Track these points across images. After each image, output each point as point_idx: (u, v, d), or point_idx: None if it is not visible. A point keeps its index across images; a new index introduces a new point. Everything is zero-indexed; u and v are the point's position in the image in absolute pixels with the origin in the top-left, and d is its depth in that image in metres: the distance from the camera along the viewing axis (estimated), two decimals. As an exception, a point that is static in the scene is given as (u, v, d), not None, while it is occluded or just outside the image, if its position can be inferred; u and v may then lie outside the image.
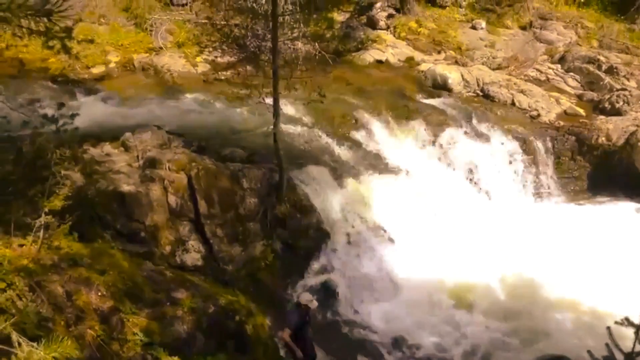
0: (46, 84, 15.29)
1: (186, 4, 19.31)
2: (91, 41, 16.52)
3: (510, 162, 15.34)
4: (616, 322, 4.53)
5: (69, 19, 4.14)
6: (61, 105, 7.63)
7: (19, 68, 12.93)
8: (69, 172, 9.33)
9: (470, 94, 17.27)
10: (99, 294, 7.19)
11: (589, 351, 4.70)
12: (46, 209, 7.13)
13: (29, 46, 14.43)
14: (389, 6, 20.84)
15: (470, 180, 14.75)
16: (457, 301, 11.84)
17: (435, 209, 13.34)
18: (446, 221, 13.28)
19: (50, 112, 7.42)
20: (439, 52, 19.52)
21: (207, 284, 9.13)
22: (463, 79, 17.41)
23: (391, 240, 12.51)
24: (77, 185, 9.68)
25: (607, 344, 4.58)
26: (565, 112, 16.75)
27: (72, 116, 7.46)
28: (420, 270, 12.17)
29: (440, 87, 17.24)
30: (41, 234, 7.23)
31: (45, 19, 3.19)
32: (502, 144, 15.37)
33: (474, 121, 15.74)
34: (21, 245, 7.22)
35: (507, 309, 11.68)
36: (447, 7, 21.27)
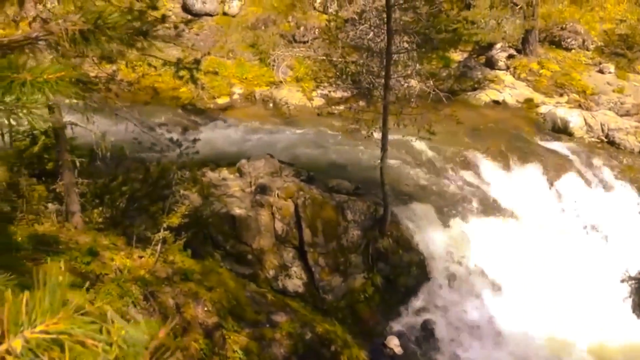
0: (175, 111, 16.59)
1: (307, 41, 20.22)
2: (217, 73, 17.72)
3: (637, 214, 14.21)
4: None
5: (198, 52, 4.58)
6: (185, 130, 8.30)
7: (153, 95, 14.09)
8: (187, 192, 10.04)
9: (593, 139, 16.33)
10: (205, 309, 7.61)
11: None
12: (165, 225, 7.75)
13: (162, 76, 15.74)
14: (509, 47, 20.41)
15: (589, 231, 13.83)
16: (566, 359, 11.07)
17: (547, 257, 12.63)
18: (559, 271, 12.52)
19: (175, 136, 8.09)
20: (561, 95, 18.70)
21: (306, 310, 9.33)
22: (586, 123, 16.53)
23: (497, 285, 12.01)
24: (193, 206, 10.35)
25: None
26: (702, 164, 15.33)
27: (194, 141, 8.10)
28: (527, 321, 11.55)
29: (560, 130, 16.47)
30: (159, 247, 7.84)
31: (145, 42, 3.61)
32: (628, 193, 14.32)
33: (597, 168, 14.84)
34: (140, 257, 7.87)
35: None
36: (573, 50, 20.39)
